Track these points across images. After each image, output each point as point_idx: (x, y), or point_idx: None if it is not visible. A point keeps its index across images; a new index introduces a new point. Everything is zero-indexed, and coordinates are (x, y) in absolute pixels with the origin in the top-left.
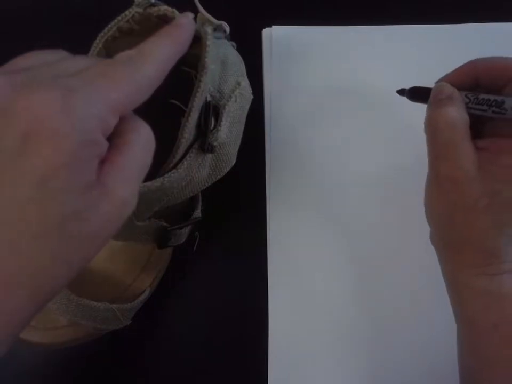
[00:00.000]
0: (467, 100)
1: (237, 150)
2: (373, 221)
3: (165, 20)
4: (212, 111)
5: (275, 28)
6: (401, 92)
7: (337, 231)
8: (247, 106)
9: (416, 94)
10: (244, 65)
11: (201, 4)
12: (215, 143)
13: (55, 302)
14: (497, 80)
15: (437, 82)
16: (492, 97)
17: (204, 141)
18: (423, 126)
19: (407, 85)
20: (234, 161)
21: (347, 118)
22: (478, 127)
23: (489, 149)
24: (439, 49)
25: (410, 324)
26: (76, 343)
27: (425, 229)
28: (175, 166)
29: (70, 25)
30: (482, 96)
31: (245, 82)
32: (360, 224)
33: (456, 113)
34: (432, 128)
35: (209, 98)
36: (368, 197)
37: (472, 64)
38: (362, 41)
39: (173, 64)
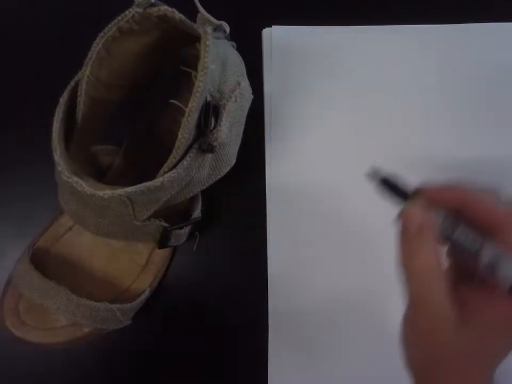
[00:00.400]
0: (445, 229)
1: (237, 150)
2: (373, 221)
3: (164, 20)
4: (212, 111)
5: (275, 28)
6: (372, 175)
7: (338, 231)
8: (247, 106)
9: (387, 188)
10: (244, 65)
11: (201, 4)
12: (215, 143)
13: (55, 302)
14: (479, 221)
15: (418, 190)
16: (468, 246)
17: (203, 141)
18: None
19: (407, 86)
20: (234, 161)
21: (347, 118)
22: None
23: (468, 296)
24: (439, 49)
25: None
26: (76, 343)
27: None
28: (175, 166)
29: (70, 25)
30: (460, 238)
31: (245, 82)
32: (361, 224)
33: (428, 257)
34: (404, 271)
35: (209, 98)
36: (370, 196)
37: (460, 192)
38: (362, 41)
39: None
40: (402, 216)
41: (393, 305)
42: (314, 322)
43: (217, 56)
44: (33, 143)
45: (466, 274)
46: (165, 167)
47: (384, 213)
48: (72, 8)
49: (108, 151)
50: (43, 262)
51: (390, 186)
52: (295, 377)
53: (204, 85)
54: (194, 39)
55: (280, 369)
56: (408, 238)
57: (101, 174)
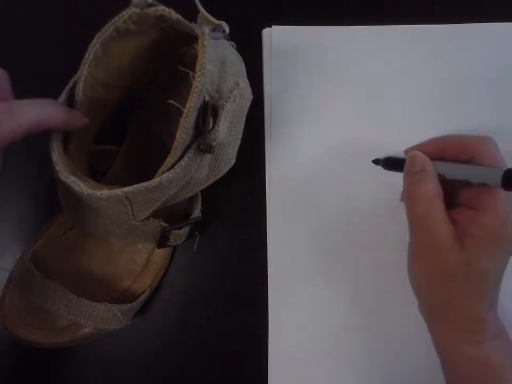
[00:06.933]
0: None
1: (236, 150)
2: (374, 221)
3: (162, 20)
4: (210, 111)
5: (275, 28)
6: (376, 161)
7: (338, 231)
8: (247, 107)
9: (391, 164)
10: (243, 65)
11: (201, 4)
12: (213, 143)
13: (55, 302)
14: (460, 156)
15: (407, 152)
16: (459, 178)
17: (202, 141)
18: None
19: (406, 85)
20: (234, 161)
21: (347, 117)
22: (450, 197)
23: (460, 220)
24: (439, 49)
25: (409, 325)
26: (76, 343)
27: None
28: (173, 166)
29: (68, 25)
30: (450, 176)
31: (244, 83)
32: (361, 224)
33: (431, 187)
34: (410, 201)
35: (207, 99)
36: (370, 196)
37: (437, 140)
38: (362, 41)
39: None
40: (407, 162)
41: (399, 301)
42: (315, 323)
43: (216, 57)
44: (33, 143)
45: (451, 202)
46: (163, 167)
47: (384, 212)
48: (71, 8)
49: (108, 151)
50: (43, 262)
51: (393, 162)
52: (295, 377)
53: (201, 85)
54: (192, 39)
55: (280, 369)
56: (413, 174)
57: (100, 174)
